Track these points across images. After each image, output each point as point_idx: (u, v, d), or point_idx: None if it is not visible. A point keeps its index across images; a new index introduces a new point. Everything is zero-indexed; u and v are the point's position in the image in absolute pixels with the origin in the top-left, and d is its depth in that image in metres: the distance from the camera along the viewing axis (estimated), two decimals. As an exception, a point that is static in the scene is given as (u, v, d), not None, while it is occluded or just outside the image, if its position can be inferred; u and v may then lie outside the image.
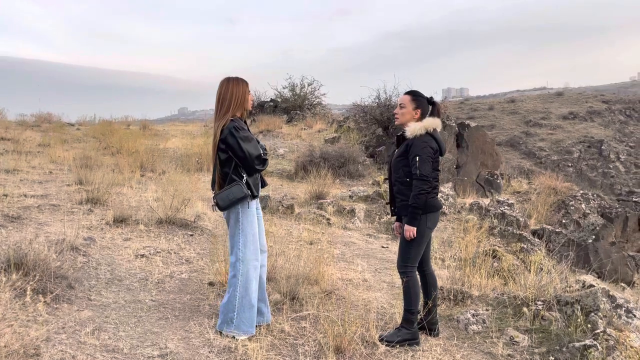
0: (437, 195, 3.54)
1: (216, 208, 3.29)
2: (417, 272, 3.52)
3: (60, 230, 4.85)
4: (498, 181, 11.11)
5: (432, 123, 3.50)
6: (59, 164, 9.44)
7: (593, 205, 10.11)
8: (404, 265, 3.47)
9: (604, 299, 3.57)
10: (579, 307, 3.54)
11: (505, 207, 8.07)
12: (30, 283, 3.38)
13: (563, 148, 43.08)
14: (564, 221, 9.42)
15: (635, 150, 43.53)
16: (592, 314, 3.51)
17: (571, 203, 9.93)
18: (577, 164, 41.21)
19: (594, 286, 4.12)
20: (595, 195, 10.47)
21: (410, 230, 3.38)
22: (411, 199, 3.37)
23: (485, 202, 8.46)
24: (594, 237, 7.84)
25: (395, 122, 3.69)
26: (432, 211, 3.46)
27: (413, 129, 3.45)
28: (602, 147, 42.19)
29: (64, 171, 8.67)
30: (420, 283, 3.54)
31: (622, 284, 7.29)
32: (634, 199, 9.90)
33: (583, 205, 10.00)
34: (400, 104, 3.58)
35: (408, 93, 3.60)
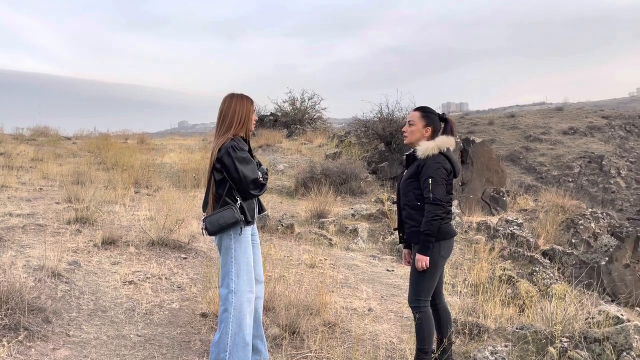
0: (450, 220, 3.22)
1: (205, 232, 2.98)
2: (430, 307, 3.19)
3: (43, 254, 4.51)
4: (504, 198, 10.79)
5: (446, 142, 3.19)
6: (51, 179, 9.11)
7: (603, 224, 9.77)
8: (416, 300, 3.13)
9: (636, 336, 3.23)
10: (609, 345, 3.20)
11: (515, 226, 7.74)
12: (2, 318, 3.04)
13: (563, 163, 42.89)
14: (573, 241, 9.07)
15: (635, 166, 43.34)
16: (625, 353, 3.17)
17: (580, 222, 9.58)
18: (577, 179, 40.99)
19: (620, 318, 3.79)
20: (604, 214, 10.13)
21: (423, 260, 3.05)
22: (423, 225, 3.05)
23: (494, 221, 8.12)
24: (607, 258, 7.49)
25: (404, 141, 3.36)
26: (446, 238, 3.15)
27: (425, 148, 3.14)
28: (603, 163, 42.02)
29: (54, 188, 8.34)
30: (433, 318, 3.20)
31: (638, 309, 6.94)
32: (644, 218, 9.56)
33: (592, 224, 9.66)
34: (409, 121, 3.27)
35: (418, 109, 3.29)
